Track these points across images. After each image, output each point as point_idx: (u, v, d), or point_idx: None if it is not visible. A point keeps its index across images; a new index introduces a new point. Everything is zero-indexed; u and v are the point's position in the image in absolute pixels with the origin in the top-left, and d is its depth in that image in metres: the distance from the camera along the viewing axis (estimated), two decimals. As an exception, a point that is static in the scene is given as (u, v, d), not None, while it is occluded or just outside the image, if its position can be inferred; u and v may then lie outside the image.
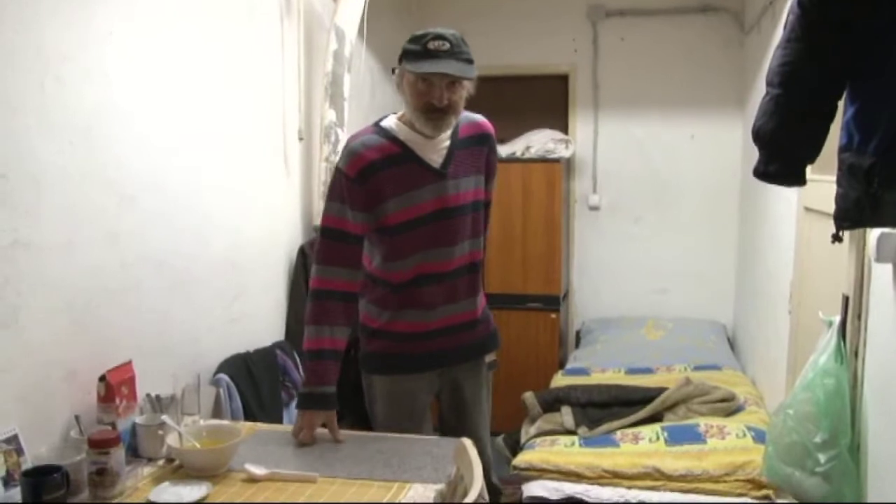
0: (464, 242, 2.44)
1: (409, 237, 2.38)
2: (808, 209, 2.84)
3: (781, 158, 1.70)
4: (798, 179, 1.74)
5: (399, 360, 2.47)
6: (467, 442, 2.00)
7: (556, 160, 4.74)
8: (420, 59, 2.21)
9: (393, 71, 2.36)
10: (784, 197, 3.34)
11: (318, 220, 3.49)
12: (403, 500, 1.89)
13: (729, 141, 4.90)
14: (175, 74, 2.55)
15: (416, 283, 2.41)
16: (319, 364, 2.30)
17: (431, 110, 2.26)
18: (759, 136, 1.70)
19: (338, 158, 2.37)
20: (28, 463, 1.88)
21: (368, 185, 2.30)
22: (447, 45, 2.20)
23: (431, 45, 2.19)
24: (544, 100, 5.29)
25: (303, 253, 3.36)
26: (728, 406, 3.38)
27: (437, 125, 2.30)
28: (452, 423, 2.58)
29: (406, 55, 2.25)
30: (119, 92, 2.28)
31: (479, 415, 2.61)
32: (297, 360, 3.17)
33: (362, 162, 2.30)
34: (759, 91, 1.90)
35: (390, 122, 2.39)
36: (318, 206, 3.51)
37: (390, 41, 4.65)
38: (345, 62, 3.51)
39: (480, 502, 1.89)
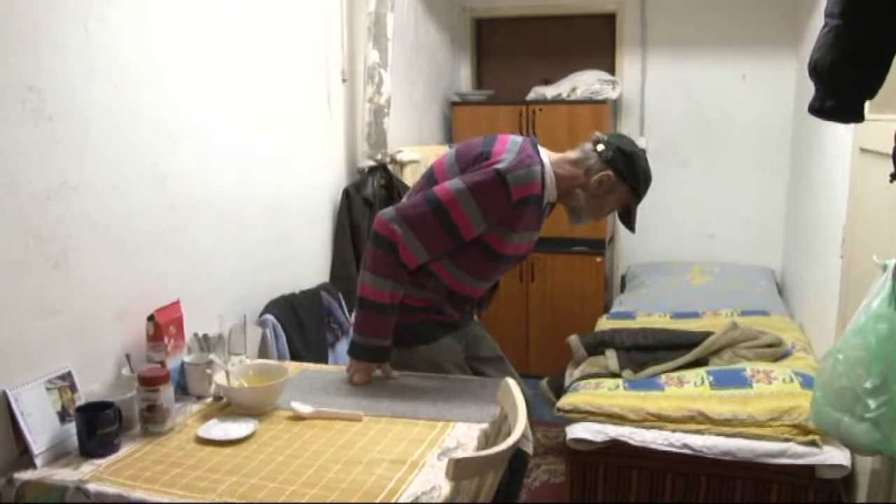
0: None
1: (501, 266, 2.45)
2: (863, 150, 2.75)
3: (839, 94, 1.64)
4: (855, 116, 1.67)
5: (438, 326, 2.47)
6: (511, 382, 2.00)
7: (603, 101, 4.65)
8: (636, 198, 2.43)
9: (595, 143, 2.39)
10: (838, 138, 3.24)
11: (362, 162, 3.50)
12: (448, 439, 1.91)
13: (782, 81, 4.75)
14: (216, 15, 2.54)
15: (467, 295, 2.48)
16: (380, 317, 2.28)
17: (599, 218, 2.51)
18: (816, 70, 1.64)
19: (504, 165, 2.22)
20: (82, 399, 1.94)
21: (516, 212, 2.26)
22: None
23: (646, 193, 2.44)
24: (591, 40, 5.17)
25: (347, 195, 3.36)
26: (775, 351, 3.34)
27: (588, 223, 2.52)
28: (482, 370, 2.60)
29: (636, 192, 2.41)
30: (161, 34, 2.28)
31: (500, 354, 2.69)
32: (342, 301, 3.20)
33: (526, 192, 2.24)
34: (816, 27, 1.83)
35: (547, 162, 2.37)
36: (363, 147, 3.50)
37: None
38: (388, 1, 3.45)
39: (524, 442, 1.90)
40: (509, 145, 2.30)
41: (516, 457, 2.08)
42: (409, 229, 2.23)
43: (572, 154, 2.41)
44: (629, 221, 2.47)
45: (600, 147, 2.36)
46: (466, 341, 2.58)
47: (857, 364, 2.03)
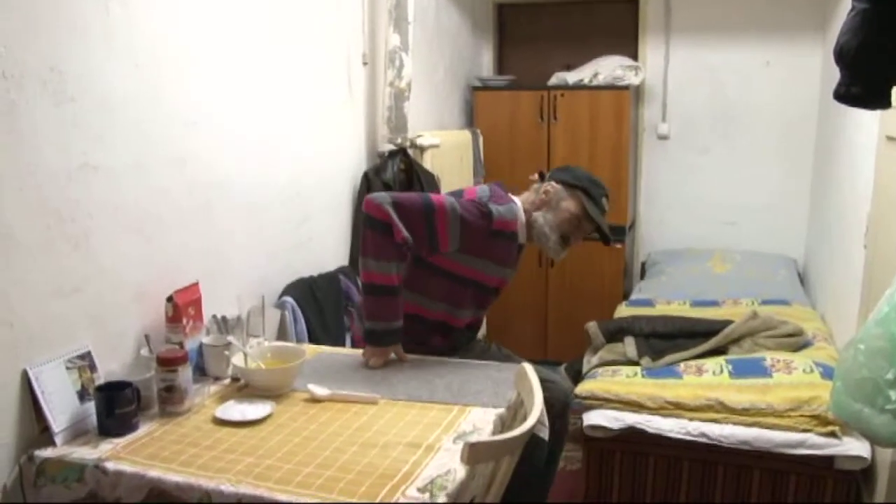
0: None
1: (472, 295, 2.56)
2: (890, 138, 2.71)
3: (865, 79, 1.61)
4: (882, 102, 1.65)
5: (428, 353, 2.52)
6: (528, 367, 2.00)
7: (625, 87, 4.61)
8: (596, 207, 2.53)
9: (541, 177, 2.62)
10: (864, 125, 3.20)
11: (382, 146, 3.49)
12: (463, 423, 1.91)
13: (807, 68, 4.68)
14: (238, -3, 2.54)
15: (435, 319, 2.56)
16: (390, 299, 2.34)
17: (567, 242, 2.57)
18: (842, 55, 1.61)
19: (488, 201, 2.45)
20: (101, 379, 1.96)
21: (490, 241, 2.44)
22: (607, 207, 2.59)
23: (605, 203, 2.56)
24: (613, 25, 5.12)
25: (367, 178, 3.36)
26: (795, 341, 3.31)
27: (561, 254, 2.59)
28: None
29: (586, 193, 2.53)
30: (181, 16, 2.28)
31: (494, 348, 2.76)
32: (360, 285, 3.20)
33: (505, 227, 2.46)
34: (843, 12, 1.80)
35: (520, 205, 2.56)
36: (383, 131, 3.50)
37: (456, -37, 4.55)
38: (409, -16, 3.44)
39: (539, 427, 1.90)
40: (479, 192, 2.53)
41: (553, 442, 2.21)
42: (399, 215, 2.30)
43: (529, 192, 2.62)
44: (603, 235, 2.59)
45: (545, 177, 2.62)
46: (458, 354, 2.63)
47: (879, 355, 2.00)
